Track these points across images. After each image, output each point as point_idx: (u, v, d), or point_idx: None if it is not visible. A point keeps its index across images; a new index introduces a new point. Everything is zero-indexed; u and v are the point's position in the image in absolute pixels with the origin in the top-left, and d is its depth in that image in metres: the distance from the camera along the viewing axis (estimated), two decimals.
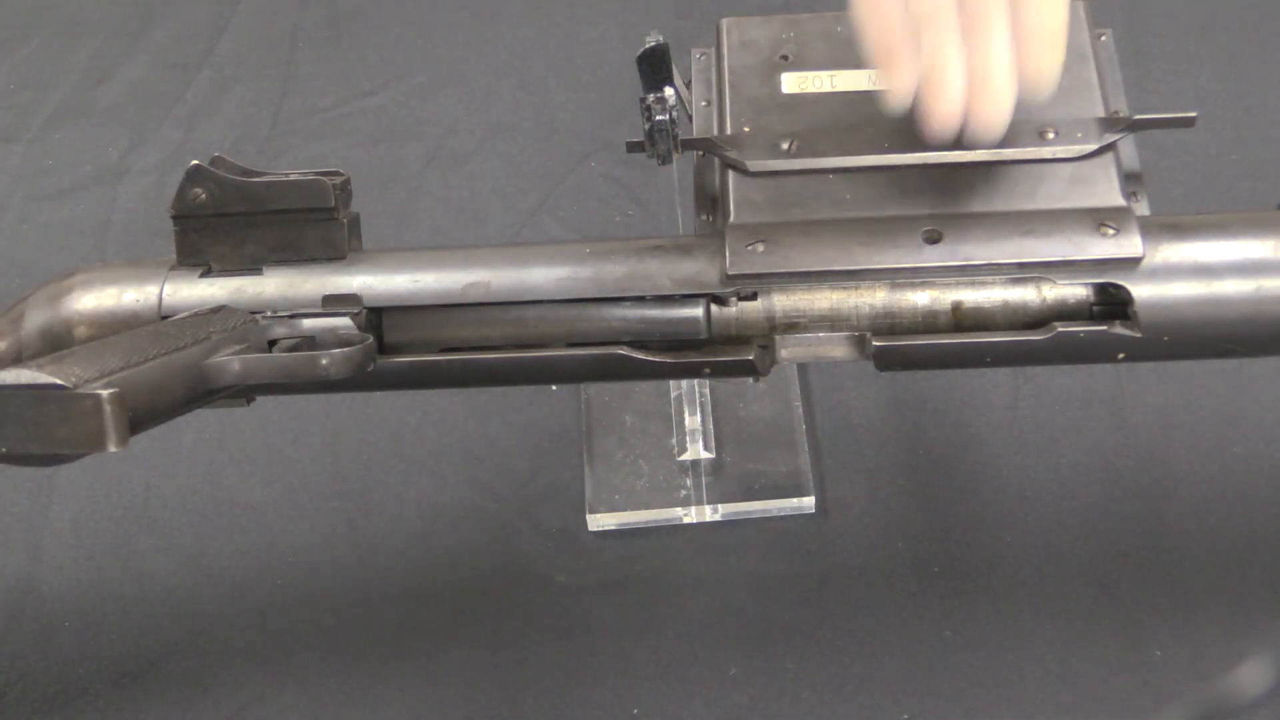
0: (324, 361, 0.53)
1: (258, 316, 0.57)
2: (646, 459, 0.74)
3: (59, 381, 0.46)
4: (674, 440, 0.74)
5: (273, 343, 0.57)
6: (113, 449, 0.45)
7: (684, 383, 0.75)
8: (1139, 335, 0.55)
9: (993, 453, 0.73)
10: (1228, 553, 0.69)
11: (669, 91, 0.59)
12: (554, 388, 0.77)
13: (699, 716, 0.66)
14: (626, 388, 0.76)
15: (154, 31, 0.99)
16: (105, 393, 0.45)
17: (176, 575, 0.72)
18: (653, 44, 0.58)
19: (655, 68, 0.59)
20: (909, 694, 0.65)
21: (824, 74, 0.61)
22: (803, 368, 0.77)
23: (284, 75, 0.96)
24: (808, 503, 0.72)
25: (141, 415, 0.49)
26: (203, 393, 0.52)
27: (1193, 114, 0.59)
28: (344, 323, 0.57)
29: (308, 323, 0.57)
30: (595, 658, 0.68)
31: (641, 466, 0.74)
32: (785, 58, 0.62)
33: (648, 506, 0.72)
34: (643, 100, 0.59)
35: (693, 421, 0.74)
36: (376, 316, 0.58)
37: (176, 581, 0.72)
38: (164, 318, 0.60)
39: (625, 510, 0.72)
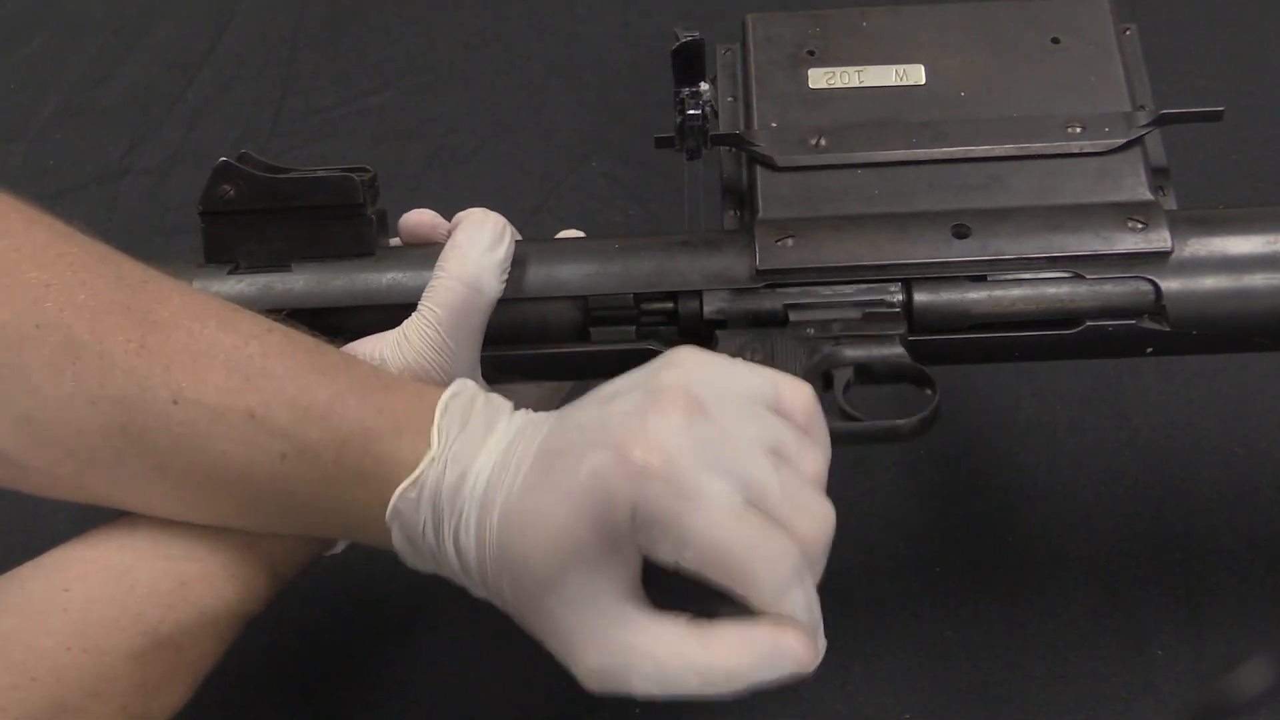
0: (903, 428, 0.54)
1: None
2: None
3: None
4: None
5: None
6: None
7: None
8: (1167, 329, 0.55)
9: (994, 452, 0.73)
10: (1229, 552, 0.68)
11: (704, 86, 0.59)
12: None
13: (699, 716, 0.66)
14: None
15: (154, 31, 0.99)
16: None
17: None
18: (688, 39, 0.58)
19: (689, 62, 0.59)
20: (910, 694, 0.65)
21: (851, 69, 0.61)
22: None
23: (284, 75, 0.96)
24: None
25: None
26: None
27: (1220, 108, 0.59)
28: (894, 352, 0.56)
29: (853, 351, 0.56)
30: None
31: None
32: (811, 53, 0.62)
33: None
34: (676, 94, 0.59)
35: None
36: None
37: None
38: None
39: None
